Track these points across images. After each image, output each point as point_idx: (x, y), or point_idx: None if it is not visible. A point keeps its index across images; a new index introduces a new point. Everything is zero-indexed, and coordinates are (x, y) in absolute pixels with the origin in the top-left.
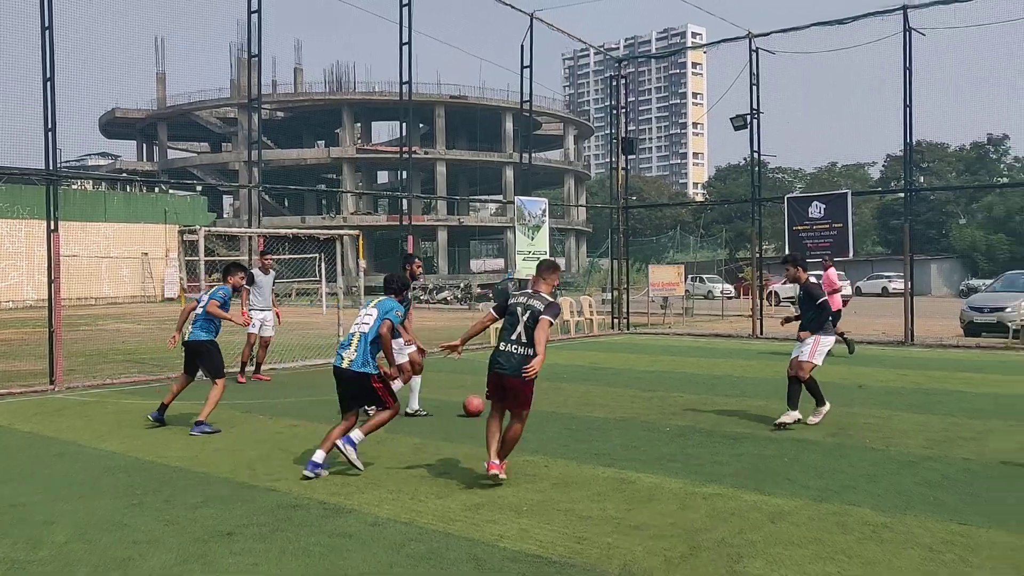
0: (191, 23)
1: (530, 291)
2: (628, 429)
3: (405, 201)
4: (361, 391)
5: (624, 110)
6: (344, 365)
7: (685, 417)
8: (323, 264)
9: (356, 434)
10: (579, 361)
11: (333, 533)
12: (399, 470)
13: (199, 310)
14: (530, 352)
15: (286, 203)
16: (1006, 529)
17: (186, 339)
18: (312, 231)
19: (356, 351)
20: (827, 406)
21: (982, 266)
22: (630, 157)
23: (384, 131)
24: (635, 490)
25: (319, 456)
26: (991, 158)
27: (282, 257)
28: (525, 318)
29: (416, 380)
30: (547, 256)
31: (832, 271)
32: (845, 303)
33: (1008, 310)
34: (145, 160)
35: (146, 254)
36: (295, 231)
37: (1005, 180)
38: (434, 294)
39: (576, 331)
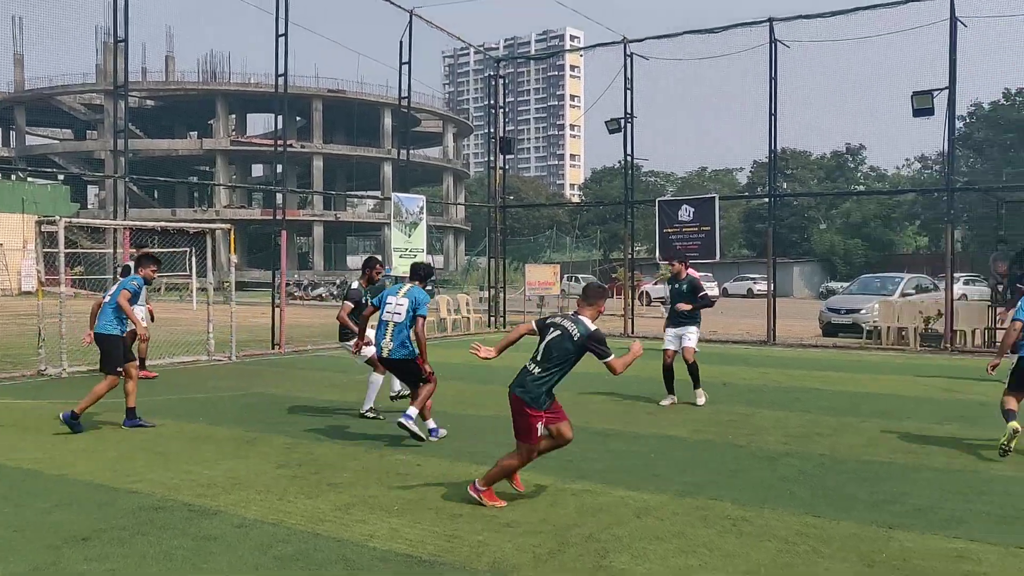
0: (53, 2)
1: (572, 314)
2: (501, 427)
3: (280, 195)
4: (407, 372)
5: (503, 110)
6: (385, 354)
7: None
8: (193, 258)
9: (412, 410)
10: (455, 359)
11: (197, 536)
12: (268, 470)
13: (107, 299)
14: (536, 371)
15: (155, 195)
16: (855, 521)
17: (95, 331)
18: (182, 224)
19: (392, 340)
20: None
21: (840, 269)
22: (508, 157)
23: (260, 123)
24: (507, 487)
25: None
26: (849, 167)
27: (151, 251)
28: (551, 336)
29: (378, 377)
30: (423, 253)
31: (691, 272)
32: (712, 303)
33: (863, 312)
34: (1, 146)
35: (1, 244)
36: (164, 224)
37: (861, 188)
38: (309, 290)
39: (453, 329)
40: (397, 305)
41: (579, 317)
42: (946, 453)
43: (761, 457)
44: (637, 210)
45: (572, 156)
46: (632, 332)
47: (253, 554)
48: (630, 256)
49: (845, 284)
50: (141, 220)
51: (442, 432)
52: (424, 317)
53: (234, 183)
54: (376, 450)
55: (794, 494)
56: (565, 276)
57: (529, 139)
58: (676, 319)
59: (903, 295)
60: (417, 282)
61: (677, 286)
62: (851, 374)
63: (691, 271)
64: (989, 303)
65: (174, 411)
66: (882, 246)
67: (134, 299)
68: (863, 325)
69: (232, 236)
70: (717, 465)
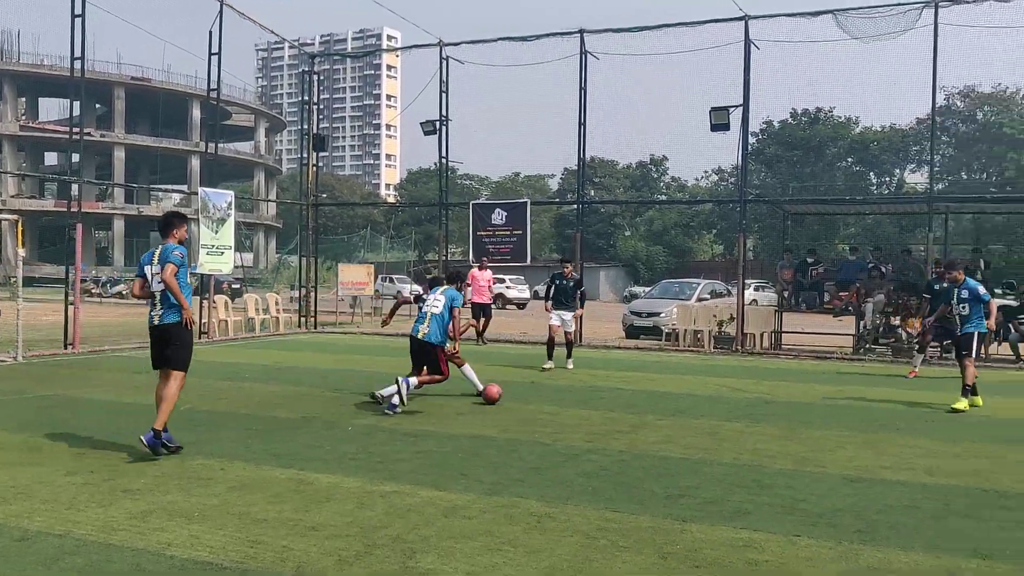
0: None
1: None
2: (310, 429)
3: (76, 186)
4: (427, 357)
5: (317, 106)
6: (420, 336)
7: (369, 416)
8: None
9: (412, 380)
10: (263, 360)
11: None
12: (56, 478)
13: (155, 287)
14: None
15: None
16: (651, 515)
17: (155, 323)
18: None
19: (429, 327)
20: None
21: (643, 274)
22: (322, 154)
23: (54, 109)
24: (314, 490)
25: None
26: (653, 176)
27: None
28: None
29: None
30: (231, 250)
31: (477, 271)
32: (522, 305)
33: (662, 315)
34: None
35: None
36: None
37: (664, 197)
38: (108, 287)
39: (261, 329)
40: (435, 301)
41: None
42: (734, 449)
43: (566, 454)
44: (452, 212)
45: (388, 156)
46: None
47: (37, 569)
48: (444, 258)
49: (647, 288)
50: None
51: (398, 409)
52: (459, 308)
53: (23, 171)
54: (176, 455)
55: (596, 490)
56: (379, 276)
57: (344, 137)
58: (560, 305)
59: (699, 300)
60: (453, 285)
61: (565, 282)
62: (651, 374)
63: (477, 271)
64: (776, 308)
65: None
66: (682, 253)
67: (183, 272)
68: (662, 328)
69: (20, 228)
70: (523, 463)
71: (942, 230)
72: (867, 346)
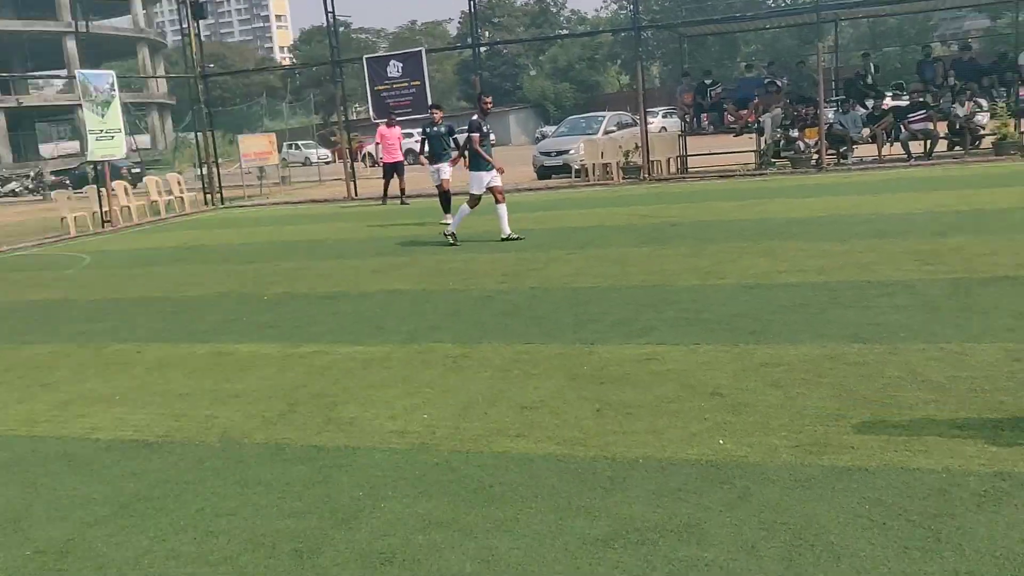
0: None
1: None
2: (225, 304)
3: None
4: None
5: None
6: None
7: (283, 285)
8: None
9: None
10: (171, 242)
11: None
12: None
13: None
14: None
15: None
16: (561, 343)
17: None
18: None
19: None
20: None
21: (553, 113)
22: (207, 22)
23: None
24: (233, 361)
25: None
26: (552, 12)
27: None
28: None
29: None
30: (121, 133)
31: (385, 128)
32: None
33: (571, 153)
34: None
35: None
36: None
37: (565, 32)
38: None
39: (167, 212)
40: None
41: None
42: (642, 272)
43: (478, 298)
44: (350, 69)
45: (278, 17)
46: (356, 195)
47: None
48: (344, 119)
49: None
50: None
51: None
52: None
53: None
54: (90, 344)
55: (508, 327)
56: (285, 144)
57: (229, 1)
58: (440, 158)
59: (606, 132)
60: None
61: (437, 130)
62: (561, 211)
63: (385, 128)
64: (680, 133)
65: None
66: (589, 87)
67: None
68: (572, 165)
69: None
70: (438, 311)
71: (838, 38)
72: (768, 160)
